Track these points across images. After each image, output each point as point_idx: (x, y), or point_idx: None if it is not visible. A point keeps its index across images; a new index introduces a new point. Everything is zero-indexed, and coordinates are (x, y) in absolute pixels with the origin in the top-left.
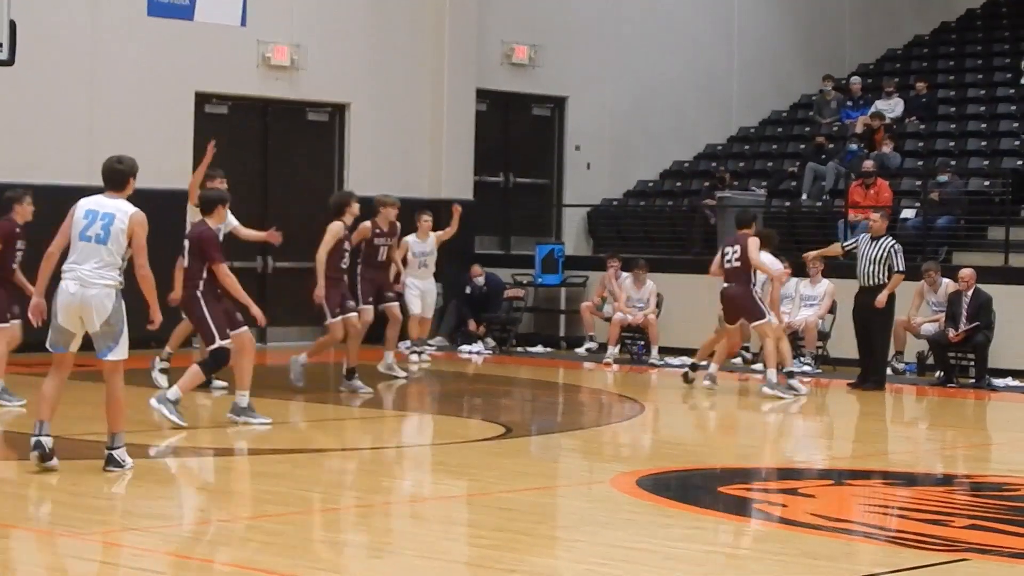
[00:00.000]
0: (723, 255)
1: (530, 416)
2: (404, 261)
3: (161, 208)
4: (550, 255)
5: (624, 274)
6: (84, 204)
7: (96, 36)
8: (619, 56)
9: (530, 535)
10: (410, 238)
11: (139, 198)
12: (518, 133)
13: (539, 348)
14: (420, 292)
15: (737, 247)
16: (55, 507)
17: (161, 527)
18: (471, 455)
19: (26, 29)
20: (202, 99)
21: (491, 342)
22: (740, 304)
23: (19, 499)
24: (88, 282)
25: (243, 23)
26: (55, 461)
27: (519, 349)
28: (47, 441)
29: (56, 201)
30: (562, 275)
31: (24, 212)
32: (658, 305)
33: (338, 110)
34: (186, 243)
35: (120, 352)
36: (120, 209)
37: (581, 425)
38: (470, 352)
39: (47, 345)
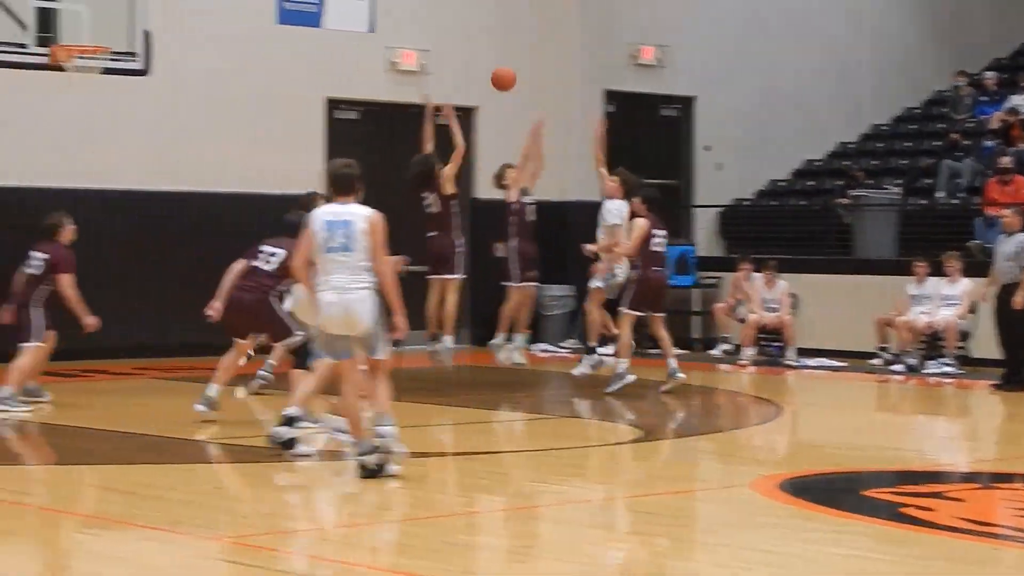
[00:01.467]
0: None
1: (666, 419)
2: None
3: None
4: (682, 257)
5: (755, 275)
6: (320, 216)
7: (227, 44)
8: (747, 55)
9: (670, 539)
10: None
11: (269, 203)
12: (646, 134)
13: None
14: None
15: None
16: (195, 510)
17: (304, 530)
18: (608, 458)
19: (159, 39)
20: (332, 105)
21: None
22: None
23: (162, 501)
24: (346, 288)
25: (371, 29)
26: (393, 467)
27: (653, 351)
28: (372, 459)
29: (187, 206)
30: (694, 276)
31: (69, 235)
32: (794, 306)
33: (466, 114)
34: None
35: (387, 349)
36: (355, 213)
37: (719, 428)
38: (604, 355)
39: (323, 358)
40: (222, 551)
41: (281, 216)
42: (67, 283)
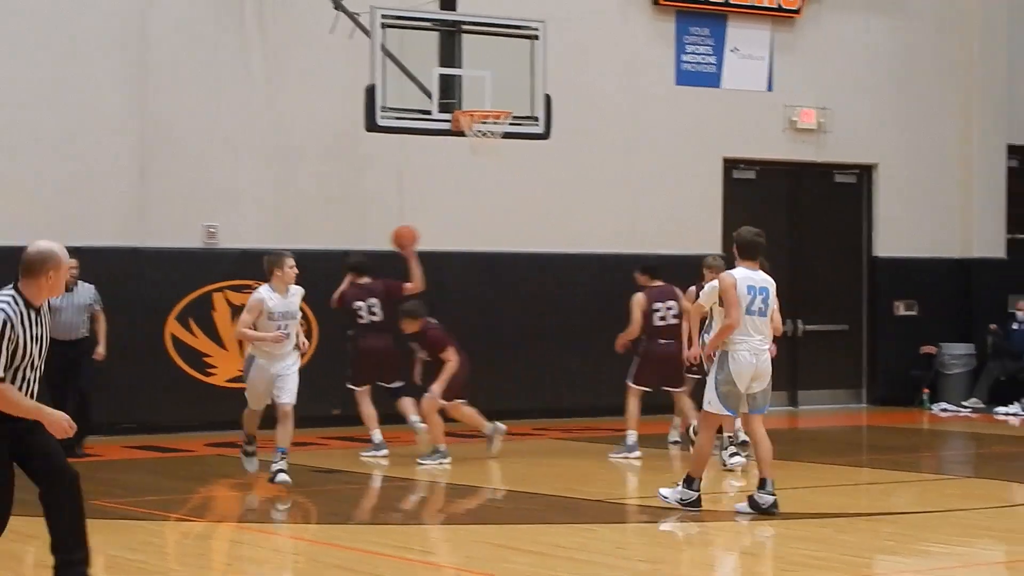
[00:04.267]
0: None
1: None
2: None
3: (696, 273)
4: None
5: None
6: (743, 280)
7: (629, 106)
8: None
9: None
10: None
11: (672, 263)
12: None
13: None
14: None
15: None
16: (596, 569)
17: None
18: (1012, 520)
19: (560, 101)
20: (730, 164)
21: None
22: None
23: (570, 562)
24: (759, 350)
25: (769, 88)
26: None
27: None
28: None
29: (595, 269)
30: None
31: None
32: None
33: (866, 171)
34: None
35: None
36: (769, 281)
37: None
38: (1006, 414)
39: (730, 411)
40: None
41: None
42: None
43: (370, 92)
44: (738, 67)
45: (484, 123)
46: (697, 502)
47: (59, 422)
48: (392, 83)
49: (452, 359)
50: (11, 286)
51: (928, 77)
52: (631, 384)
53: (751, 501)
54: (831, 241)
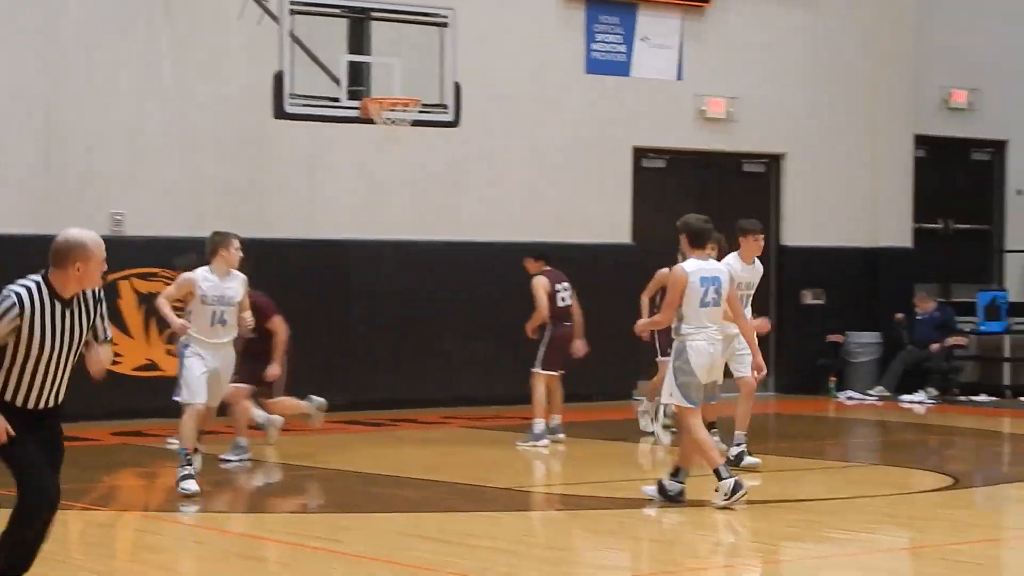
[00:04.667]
0: None
1: (976, 466)
2: None
3: (605, 262)
4: (992, 302)
5: None
6: (696, 273)
7: (539, 95)
8: None
9: None
10: None
11: (580, 252)
12: (957, 178)
13: (982, 397)
14: None
15: None
16: (505, 557)
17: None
18: (915, 506)
19: (469, 90)
20: (640, 153)
21: (932, 391)
22: None
23: (472, 549)
24: (716, 340)
25: (679, 77)
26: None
27: (961, 398)
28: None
29: (493, 258)
30: (1006, 323)
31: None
32: None
33: (774, 161)
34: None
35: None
36: (721, 270)
37: None
38: (911, 402)
39: (692, 403)
40: None
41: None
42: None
43: (278, 79)
44: (648, 56)
45: (393, 111)
46: (681, 495)
47: None
48: (301, 70)
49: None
50: (41, 272)
51: (836, 67)
52: (539, 371)
53: (659, 486)
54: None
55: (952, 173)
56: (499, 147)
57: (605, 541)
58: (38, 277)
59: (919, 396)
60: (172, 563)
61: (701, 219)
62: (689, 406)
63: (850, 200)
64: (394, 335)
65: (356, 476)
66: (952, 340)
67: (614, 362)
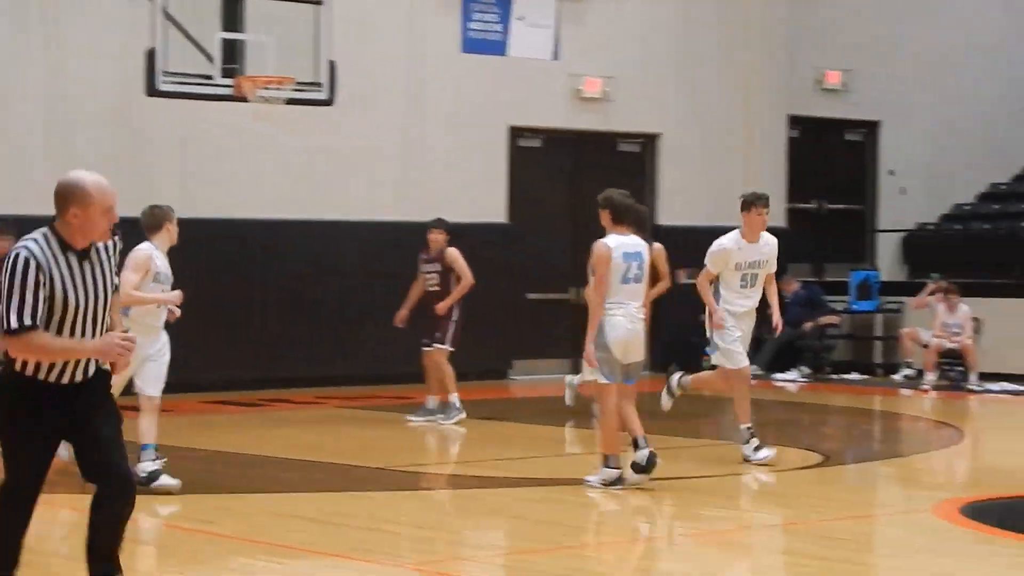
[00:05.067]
0: None
1: (847, 444)
2: None
3: (481, 241)
4: (864, 281)
5: (934, 300)
6: (618, 248)
7: (415, 74)
8: (932, 78)
9: (852, 563)
10: None
11: (455, 231)
12: (831, 159)
13: (854, 375)
14: None
15: None
16: (388, 538)
17: (480, 557)
18: (788, 484)
19: (344, 68)
20: (516, 133)
21: (805, 370)
22: None
23: (345, 529)
24: (637, 318)
25: (556, 56)
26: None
27: (833, 376)
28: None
29: (369, 238)
30: (878, 301)
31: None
32: (977, 330)
33: (650, 140)
34: None
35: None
36: (642, 245)
37: (900, 453)
38: (784, 380)
39: (608, 379)
40: None
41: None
42: None
43: (150, 56)
44: (524, 35)
45: (267, 89)
46: (619, 480)
47: (109, 347)
48: (174, 47)
49: None
50: (49, 225)
51: (711, 47)
52: (448, 347)
53: (633, 465)
54: None
55: (826, 154)
56: (374, 126)
57: (484, 520)
58: (45, 228)
59: (792, 375)
60: (34, 545)
61: (624, 194)
62: (606, 382)
63: (724, 180)
64: (264, 315)
65: (231, 457)
66: (824, 319)
67: (490, 341)
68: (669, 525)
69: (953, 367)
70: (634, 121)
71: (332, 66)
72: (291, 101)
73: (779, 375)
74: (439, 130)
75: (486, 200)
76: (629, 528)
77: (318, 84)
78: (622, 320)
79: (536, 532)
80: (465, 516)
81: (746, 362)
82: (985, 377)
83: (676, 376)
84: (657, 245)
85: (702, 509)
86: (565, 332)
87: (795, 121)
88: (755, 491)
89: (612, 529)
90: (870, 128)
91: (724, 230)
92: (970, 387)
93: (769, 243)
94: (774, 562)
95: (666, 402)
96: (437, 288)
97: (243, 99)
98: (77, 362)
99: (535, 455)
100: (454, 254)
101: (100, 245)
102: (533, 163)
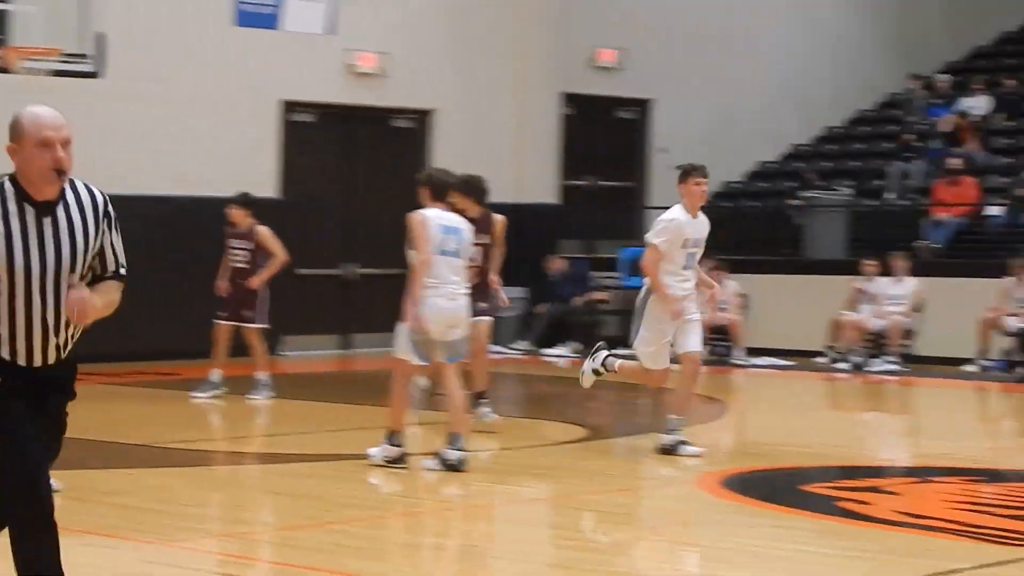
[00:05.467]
0: None
1: (612, 418)
2: None
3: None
4: (635, 258)
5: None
6: (436, 219)
7: (186, 47)
8: (705, 58)
9: (615, 536)
10: None
11: (220, 205)
12: (603, 136)
13: (624, 351)
14: None
15: None
16: (150, 515)
17: (247, 533)
18: (553, 458)
19: (113, 40)
20: (289, 107)
21: (575, 345)
22: None
23: (104, 506)
24: (456, 295)
25: (330, 31)
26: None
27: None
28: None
29: (138, 211)
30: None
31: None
32: (744, 306)
33: (424, 116)
34: None
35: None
36: (462, 221)
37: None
38: (553, 356)
39: (421, 361)
40: (160, 555)
41: None
42: None
43: None
44: (298, 9)
45: (32, 60)
46: (402, 459)
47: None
48: None
49: None
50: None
51: (485, 24)
52: (261, 325)
53: (439, 457)
54: (389, 186)
55: (598, 131)
56: (143, 99)
57: (248, 496)
58: (5, 176)
59: (561, 350)
60: None
61: (443, 171)
62: (418, 363)
63: (497, 157)
64: None
65: None
66: (594, 296)
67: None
68: (433, 499)
69: (720, 342)
70: (409, 97)
71: (100, 38)
72: (57, 72)
73: (548, 350)
74: (210, 104)
75: (256, 175)
76: (394, 502)
77: (86, 56)
78: (440, 300)
79: (295, 508)
80: (233, 491)
81: (667, 363)
82: (753, 352)
83: (603, 355)
84: (499, 216)
85: (469, 482)
86: (336, 308)
87: (569, 99)
88: (521, 465)
89: (376, 504)
90: (642, 106)
91: (496, 207)
92: (736, 362)
93: (704, 219)
94: (537, 536)
95: (587, 380)
96: (246, 265)
97: (6, 71)
98: (35, 339)
99: (305, 431)
100: (265, 232)
101: (80, 200)
102: (307, 138)
